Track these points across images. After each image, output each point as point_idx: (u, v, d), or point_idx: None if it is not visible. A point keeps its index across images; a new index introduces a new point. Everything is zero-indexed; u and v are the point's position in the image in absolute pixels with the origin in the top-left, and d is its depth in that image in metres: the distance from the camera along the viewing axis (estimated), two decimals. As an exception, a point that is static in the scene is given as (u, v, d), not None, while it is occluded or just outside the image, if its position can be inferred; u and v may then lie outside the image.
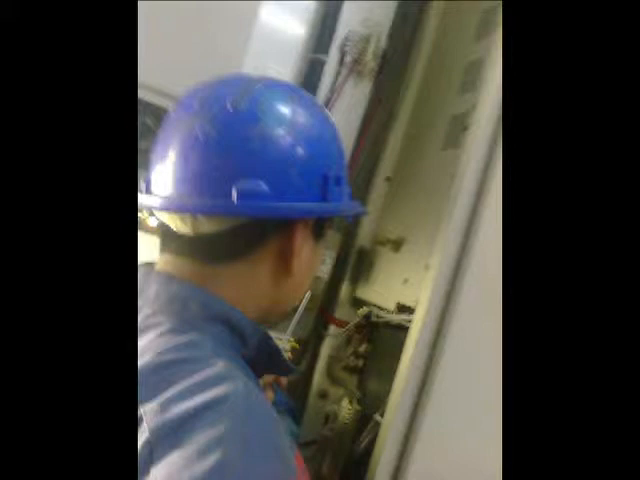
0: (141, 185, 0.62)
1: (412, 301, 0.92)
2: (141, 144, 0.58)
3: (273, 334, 0.62)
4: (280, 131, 0.59)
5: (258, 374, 0.61)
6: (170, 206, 0.59)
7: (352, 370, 1.15)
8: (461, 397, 0.80)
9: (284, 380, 0.91)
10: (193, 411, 0.48)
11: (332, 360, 1.22)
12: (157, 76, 0.99)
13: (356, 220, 1.23)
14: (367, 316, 1.09)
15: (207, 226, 0.58)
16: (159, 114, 1.02)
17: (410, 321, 0.85)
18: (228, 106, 0.58)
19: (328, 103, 1.19)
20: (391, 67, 1.24)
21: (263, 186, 0.57)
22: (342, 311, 1.22)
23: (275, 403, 0.83)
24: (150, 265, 0.63)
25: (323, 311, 1.23)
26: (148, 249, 0.66)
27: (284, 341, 1.04)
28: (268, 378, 0.85)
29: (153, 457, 0.46)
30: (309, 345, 1.23)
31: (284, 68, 1.16)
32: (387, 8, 1.23)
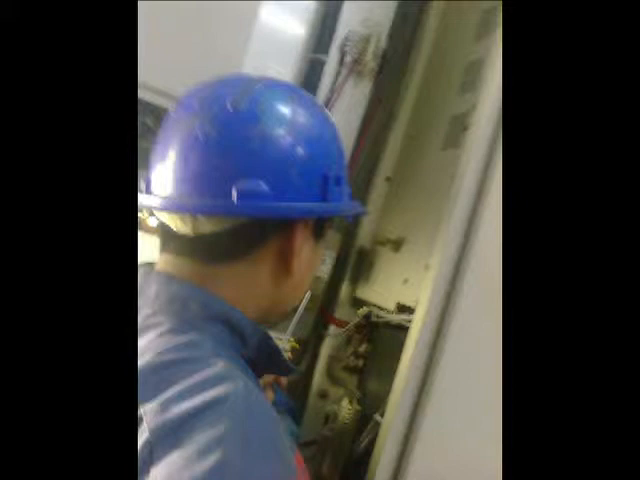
0: (141, 185, 0.62)
1: (412, 301, 0.92)
2: (141, 144, 0.58)
3: (273, 334, 0.62)
4: (280, 131, 0.59)
5: (258, 374, 0.61)
6: (170, 206, 0.59)
7: (352, 370, 1.15)
8: (461, 397, 0.80)
9: (284, 380, 0.91)
10: (193, 411, 0.48)
11: (332, 360, 1.22)
12: (157, 76, 0.99)
13: (356, 220, 1.23)
14: (367, 316, 1.09)
15: (207, 226, 0.58)
16: (159, 114, 1.02)
17: (410, 321, 0.85)
18: (228, 106, 0.58)
19: (328, 103, 1.19)
20: (391, 67, 1.24)
21: (263, 186, 0.57)
22: (342, 311, 1.22)
23: (275, 403, 0.83)
24: (150, 265, 0.63)
25: (323, 311, 1.23)
26: (148, 249, 0.66)
27: (284, 341, 1.04)
28: (268, 378, 0.85)
29: (153, 457, 0.46)
30: (309, 345, 1.23)
31: (284, 68, 1.16)
32: (387, 8, 1.23)
